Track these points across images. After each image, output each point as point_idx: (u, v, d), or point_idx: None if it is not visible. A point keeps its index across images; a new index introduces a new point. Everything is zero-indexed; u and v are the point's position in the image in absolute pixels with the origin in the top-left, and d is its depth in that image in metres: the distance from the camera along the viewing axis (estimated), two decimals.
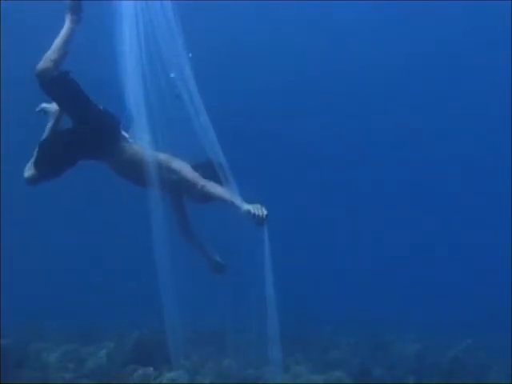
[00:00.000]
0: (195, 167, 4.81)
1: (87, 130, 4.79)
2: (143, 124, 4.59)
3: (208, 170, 4.67)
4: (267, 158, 23.00)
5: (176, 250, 4.98)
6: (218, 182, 4.62)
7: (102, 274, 20.47)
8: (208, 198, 4.70)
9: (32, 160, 4.87)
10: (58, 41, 4.75)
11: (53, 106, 5.06)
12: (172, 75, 4.58)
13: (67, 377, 8.23)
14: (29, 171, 4.88)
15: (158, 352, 8.91)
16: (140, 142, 4.75)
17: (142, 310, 12.49)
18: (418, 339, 12.52)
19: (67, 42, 4.77)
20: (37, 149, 4.87)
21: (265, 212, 4.30)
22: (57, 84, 4.68)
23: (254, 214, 4.29)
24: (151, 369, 7.35)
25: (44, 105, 5.13)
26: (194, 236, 5.18)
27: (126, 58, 4.59)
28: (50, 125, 5.06)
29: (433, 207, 28.51)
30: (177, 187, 4.88)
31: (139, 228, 5.12)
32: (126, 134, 4.93)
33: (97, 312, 14.09)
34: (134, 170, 4.75)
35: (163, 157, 4.76)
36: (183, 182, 4.76)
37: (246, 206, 4.37)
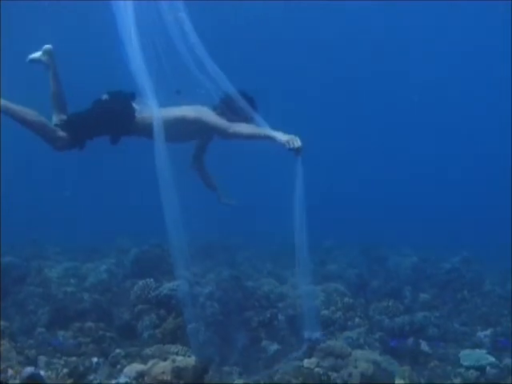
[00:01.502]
0: (216, 107, 5.02)
1: (105, 123, 4.98)
2: (150, 87, 4.70)
3: (229, 106, 4.94)
4: None
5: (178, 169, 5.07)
6: (242, 115, 4.91)
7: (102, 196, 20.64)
8: (239, 137, 4.95)
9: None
10: (31, 123, 4.85)
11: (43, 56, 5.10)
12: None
13: (68, 291, 8.30)
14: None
15: (157, 266, 9.04)
16: (151, 106, 4.84)
17: (142, 230, 12.62)
18: (415, 253, 12.68)
19: (27, 112, 4.86)
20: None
21: (299, 143, 4.60)
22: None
23: (290, 146, 4.60)
24: (151, 280, 7.41)
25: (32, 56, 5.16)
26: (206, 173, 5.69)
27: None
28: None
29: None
30: (201, 132, 5.15)
31: (140, 147, 5.16)
32: (138, 105, 5.01)
33: (97, 234, 14.21)
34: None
35: (180, 111, 4.96)
36: (208, 127, 4.99)
37: (283, 138, 4.66)
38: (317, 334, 5.95)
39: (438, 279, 10.62)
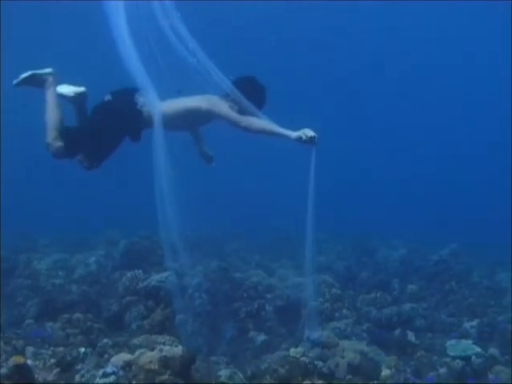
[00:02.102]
0: (228, 95, 4.88)
1: (113, 124, 4.81)
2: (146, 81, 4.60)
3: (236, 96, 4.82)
4: None
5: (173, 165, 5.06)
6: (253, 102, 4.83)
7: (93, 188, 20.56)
8: (249, 131, 4.82)
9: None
10: (47, 118, 4.73)
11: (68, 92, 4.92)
12: None
13: (57, 283, 8.29)
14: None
15: (147, 257, 9.04)
16: (153, 99, 4.75)
17: (131, 223, 12.61)
18: (406, 245, 12.75)
19: (55, 109, 4.75)
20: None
21: (313, 133, 4.60)
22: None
23: (306, 138, 4.58)
24: (140, 271, 7.42)
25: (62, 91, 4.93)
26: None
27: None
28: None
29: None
30: (209, 121, 5.03)
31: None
32: (142, 100, 4.85)
33: (87, 226, 14.17)
34: (168, 124, 4.77)
35: (192, 102, 4.84)
36: (219, 118, 4.88)
37: (295, 134, 4.63)
38: (317, 334, 6.00)
39: (426, 271, 10.67)
